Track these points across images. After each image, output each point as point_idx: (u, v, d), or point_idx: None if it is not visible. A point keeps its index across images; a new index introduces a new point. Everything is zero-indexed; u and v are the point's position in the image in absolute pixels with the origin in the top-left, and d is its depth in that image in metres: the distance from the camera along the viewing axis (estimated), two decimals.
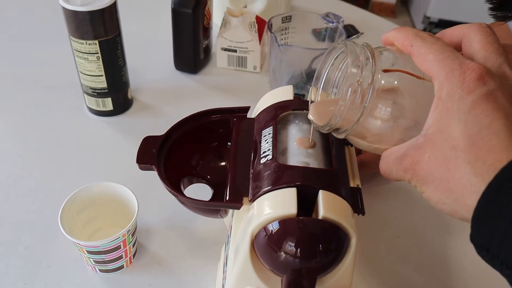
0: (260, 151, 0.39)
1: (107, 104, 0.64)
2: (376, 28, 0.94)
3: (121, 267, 0.48)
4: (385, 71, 0.34)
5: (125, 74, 0.64)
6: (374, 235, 0.54)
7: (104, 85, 0.62)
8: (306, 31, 0.76)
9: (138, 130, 0.65)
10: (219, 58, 0.77)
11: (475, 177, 0.27)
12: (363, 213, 0.38)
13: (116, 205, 0.49)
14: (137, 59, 0.75)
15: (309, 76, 0.68)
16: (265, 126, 0.41)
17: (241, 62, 0.77)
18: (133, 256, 0.49)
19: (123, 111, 0.67)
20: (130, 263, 0.49)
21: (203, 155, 0.46)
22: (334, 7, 1.00)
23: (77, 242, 0.43)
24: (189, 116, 0.45)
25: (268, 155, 0.38)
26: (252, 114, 0.46)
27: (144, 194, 0.50)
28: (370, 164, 0.56)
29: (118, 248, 0.45)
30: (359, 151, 0.59)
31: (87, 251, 0.44)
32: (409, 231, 0.55)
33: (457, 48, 0.34)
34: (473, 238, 0.27)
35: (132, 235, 0.46)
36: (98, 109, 0.65)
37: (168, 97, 0.72)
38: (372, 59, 0.34)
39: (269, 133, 0.40)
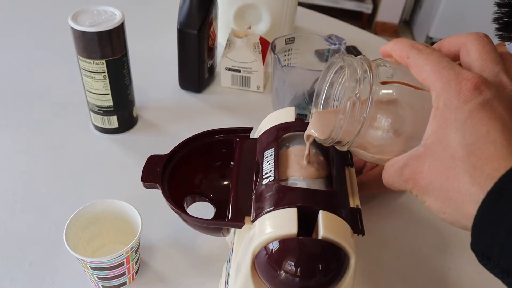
0: (262, 172, 0.40)
1: (113, 122, 0.66)
2: (377, 49, 0.96)
3: (124, 283, 0.48)
4: (384, 83, 0.35)
5: (131, 93, 0.66)
6: (374, 255, 0.55)
7: (110, 103, 0.63)
8: (309, 52, 0.78)
9: (142, 148, 0.66)
10: (223, 77, 0.79)
11: (473, 187, 0.27)
12: (363, 234, 0.38)
13: (120, 222, 0.49)
14: (143, 77, 0.76)
15: (312, 97, 0.70)
16: (267, 147, 0.42)
17: (245, 82, 0.78)
18: (136, 272, 0.50)
19: (128, 128, 0.69)
20: (133, 280, 0.49)
21: (206, 174, 0.47)
22: (337, 28, 1.02)
23: (81, 258, 0.43)
24: (193, 136, 0.46)
25: (270, 176, 0.39)
26: (255, 134, 0.48)
27: (148, 211, 0.51)
28: (370, 185, 0.57)
29: (121, 264, 0.45)
30: (359, 172, 0.60)
31: (90, 267, 0.44)
32: (409, 251, 0.55)
33: (456, 57, 0.35)
34: (474, 247, 0.28)
35: (135, 252, 0.47)
36: (103, 126, 0.66)
37: (172, 115, 0.73)
38: (369, 72, 0.35)
39: (271, 154, 0.41)
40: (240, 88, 0.80)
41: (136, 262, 0.48)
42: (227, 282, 0.43)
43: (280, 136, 0.43)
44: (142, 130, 0.70)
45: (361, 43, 0.94)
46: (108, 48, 0.58)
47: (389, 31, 2.81)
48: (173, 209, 0.40)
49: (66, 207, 0.55)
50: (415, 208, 0.60)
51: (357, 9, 2.79)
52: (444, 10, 2.46)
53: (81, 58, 0.59)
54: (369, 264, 0.53)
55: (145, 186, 0.42)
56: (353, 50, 0.92)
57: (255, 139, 0.46)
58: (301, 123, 0.44)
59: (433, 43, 2.37)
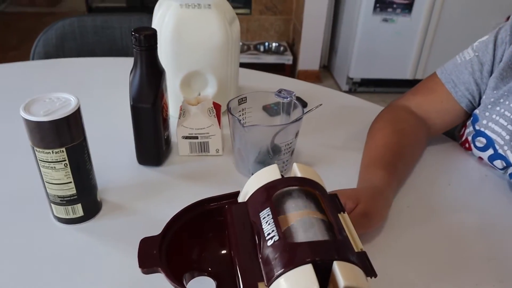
0: (264, 233, 0.39)
1: (77, 210, 0.62)
2: (305, 91, 1.01)
3: None
4: None
5: (93, 177, 0.63)
6: None
7: (73, 191, 0.60)
8: (258, 108, 0.80)
9: (112, 233, 0.63)
10: (181, 146, 0.78)
11: None
12: (375, 275, 0.38)
13: None
14: (101, 159, 0.73)
15: (275, 151, 0.71)
16: (262, 208, 0.42)
17: (203, 147, 0.78)
18: None
19: (94, 215, 0.65)
20: None
21: (201, 248, 0.46)
22: (272, 80, 1.08)
23: None
24: (180, 211, 0.45)
25: (274, 236, 0.38)
26: (240, 198, 0.47)
27: None
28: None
29: None
30: None
31: None
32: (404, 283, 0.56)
33: None
34: None
35: None
36: (67, 217, 0.62)
37: (136, 193, 0.71)
38: None
39: (268, 214, 0.41)
40: (199, 154, 0.79)
41: None
42: None
43: (271, 195, 0.43)
44: (108, 214, 0.66)
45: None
46: (67, 135, 0.56)
47: (312, 77, 2.96)
48: None
49: None
50: (400, 242, 0.62)
51: (278, 62, 2.92)
52: (358, 53, 2.65)
53: (38, 149, 0.56)
54: None
55: (144, 272, 0.40)
56: (300, 100, 0.96)
57: (244, 203, 0.45)
58: (288, 179, 0.45)
59: (354, 83, 2.54)
